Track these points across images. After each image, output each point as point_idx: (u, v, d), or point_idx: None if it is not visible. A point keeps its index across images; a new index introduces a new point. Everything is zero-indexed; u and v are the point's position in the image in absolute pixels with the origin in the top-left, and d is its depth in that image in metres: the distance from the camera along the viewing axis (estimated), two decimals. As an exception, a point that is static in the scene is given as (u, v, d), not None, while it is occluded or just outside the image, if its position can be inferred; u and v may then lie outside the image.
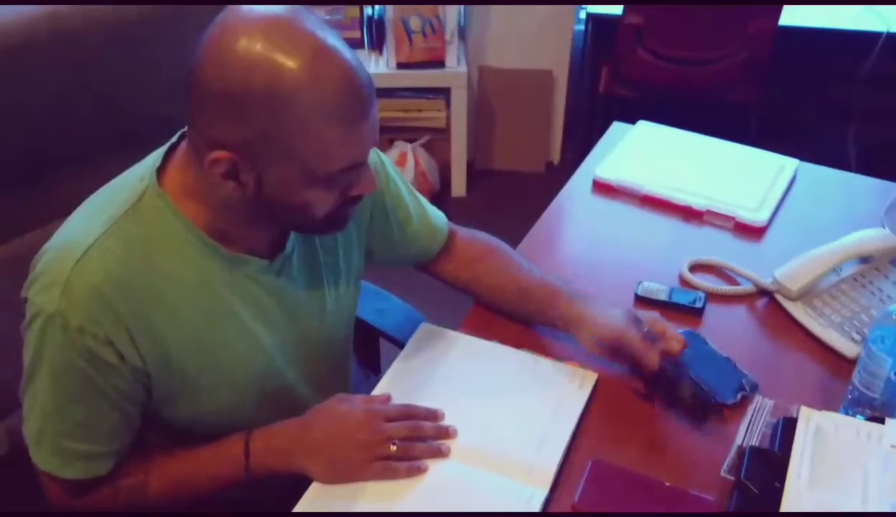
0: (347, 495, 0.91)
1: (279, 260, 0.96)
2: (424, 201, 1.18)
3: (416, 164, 2.72)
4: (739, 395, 1.04)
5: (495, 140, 3.03)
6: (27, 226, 1.09)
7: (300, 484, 0.93)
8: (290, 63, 0.76)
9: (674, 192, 1.43)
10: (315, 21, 0.80)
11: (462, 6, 2.67)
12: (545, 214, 1.42)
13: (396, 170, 1.13)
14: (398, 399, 1.02)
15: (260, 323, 0.96)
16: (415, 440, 0.95)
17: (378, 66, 2.65)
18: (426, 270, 1.21)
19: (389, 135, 2.76)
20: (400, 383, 1.06)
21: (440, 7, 2.56)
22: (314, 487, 0.92)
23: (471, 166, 2.98)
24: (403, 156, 2.72)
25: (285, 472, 0.94)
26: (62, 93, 1.06)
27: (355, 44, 2.68)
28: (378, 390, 1.04)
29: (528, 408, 1.03)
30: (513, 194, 2.95)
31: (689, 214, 1.41)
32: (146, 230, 0.87)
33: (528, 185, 2.99)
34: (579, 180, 1.51)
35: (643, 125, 1.64)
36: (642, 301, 1.21)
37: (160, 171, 0.89)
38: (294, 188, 0.83)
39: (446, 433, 0.97)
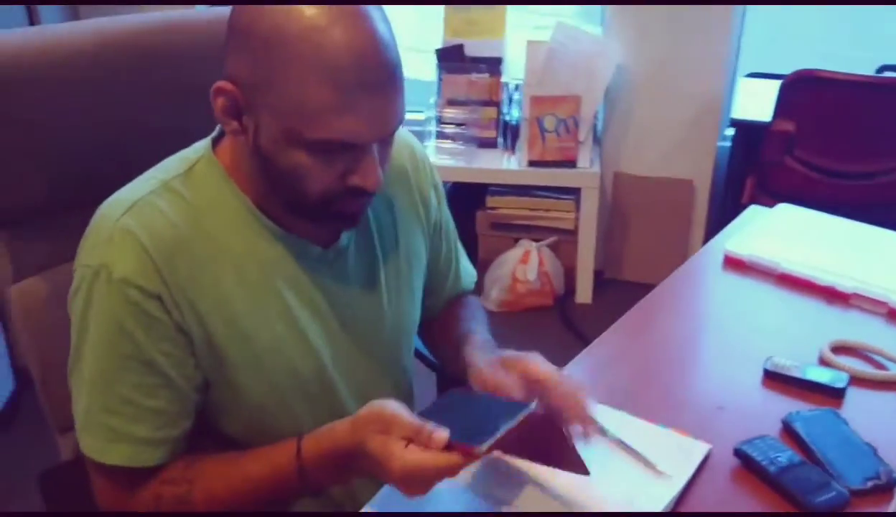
0: None
1: (333, 250, 0.92)
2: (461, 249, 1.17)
3: (541, 263, 2.66)
4: (870, 484, 0.89)
5: (627, 249, 2.93)
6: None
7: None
8: (309, 10, 0.74)
9: (817, 272, 1.29)
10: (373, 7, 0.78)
11: (600, 110, 2.65)
12: (666, 281, 1.32)
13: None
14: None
15: (306, 313, 0.91)
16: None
17: (509, 163, 2.65)
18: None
19: (515, 233, 2.73)
20: None
21: (577, 108, 2.55)
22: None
23: (599, 275, 2.88)
24: (527, 254, 2.66)
25: (342, 481, 0.86)
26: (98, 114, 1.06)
27: (489, 144, 2.71)
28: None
29: (624, 468, 0.90)
30: (643, 307, 2.80)
31: (833, 296, 1.26)
32: (196, 195, 0.86)
33: (660, 299, 2.84)
34: (708, 255, 1.40)
35: (784, 207, 1.52)
36: (772, 376, 1.08)
37: (215, 143, 0.89)
38: (282, 145, 0.79)
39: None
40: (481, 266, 2.74)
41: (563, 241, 2.74)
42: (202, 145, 0.90)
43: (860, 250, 1.37)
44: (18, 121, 1.03)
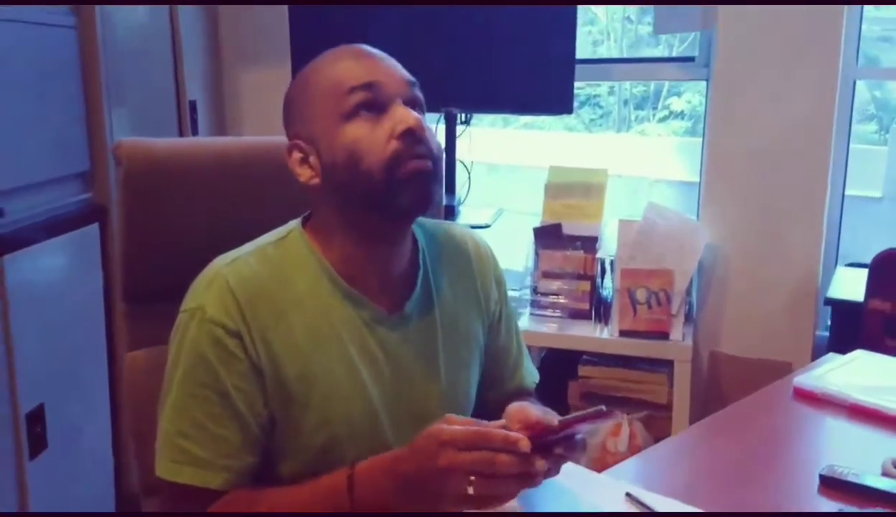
0: None
1: (397, 315, 1.06)
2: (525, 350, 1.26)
3: (632, 436, 2.64)
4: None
5: (724, 432, 2.86)
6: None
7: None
8: (321, 55, 1.05)
9: (887, 402, 1.30)
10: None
11: (694, 287, 2.72)
12: (734, 406, 1.35)
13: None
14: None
15: (366, 368, 1.03)
16: (492, 476, 0.85)
17: (601, 333, 2.72)
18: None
19: (607, 404, 2.72)
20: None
21: (669, 282, 2.63)
22: None
23: (695, 457, 2.81)
24: (618, 427, 2.66)
25: (390, 506, 0.92)
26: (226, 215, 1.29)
27: (583, 315, 2.80)
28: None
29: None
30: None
31: None
32: (284, 258, 1.04)
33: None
34: (777, 388, 1.42)
35: (860, 353, 1.55)
36: (827, 482, 1.09)
37: (305, 222, 1.09)
38: (335, 131, 0.99)
39: (529, 469, 0.86)
40: (571, 436, 2.74)
41: (657, 417, 2.73)
42: (295, 222, 1.10)
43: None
44: (158, 214, 1.25)
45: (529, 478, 0.87)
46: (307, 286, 1.03)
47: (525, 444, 0.84)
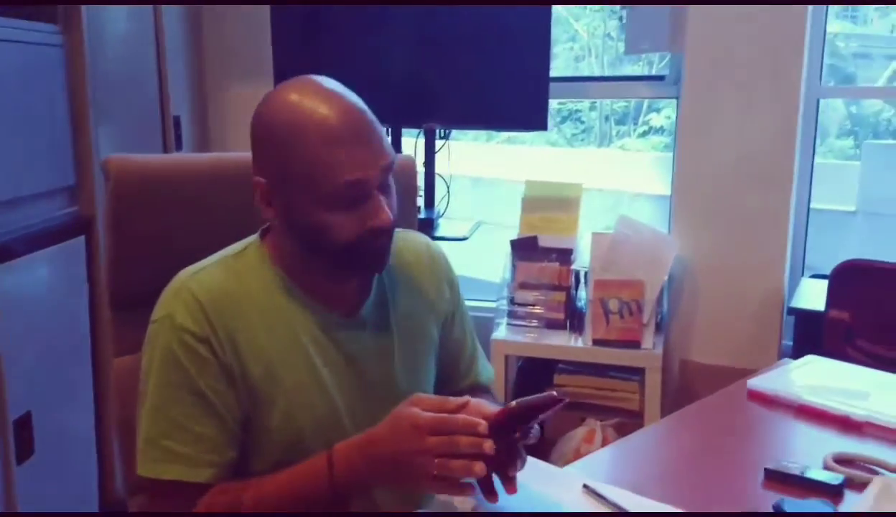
0: None
1: (353, 320, 1.14)
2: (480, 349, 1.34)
3: (605, 442, 2.72)
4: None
5: (695, 438, 2.95)
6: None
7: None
8: (298, 107, 1.03)
9: (832, 403, 1.38)
10: (337, 84, 1.07)
11: (665, 297, 2.81)
12: (692, 406, 1.43)
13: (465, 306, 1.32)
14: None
15: (326, 369, 1.11)
16: (452, 456, 0.95)
17: (576, 342, 2.80)
18: None
19: (580, 412, 2.82)
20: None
21: (640, 292, 2.72)
22: None
23: (667, 463, 2.89)
24: (592, 433, 2.74)
25: (366, 483, 1.02)
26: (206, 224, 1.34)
27: (558, 325, 2.88)
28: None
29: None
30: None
31: (846, 425, 1.37)
32: (244, 268, 1.12)
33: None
34: (733, 390, 1.51)
35: (811, 358, 1.63)
36: (771, 476, 1.17)
37: (264, 233, 1.15)
38: (312, 211, 1.03)
39: (481, 448, 0.95)
40: (547, 443, 2.82)
41: (629, 423, 2.81)
42: (254, 235, 1.17)
43: (884, 391, 1.47)
44: (145, 227, 1.32)
45: (482, 459, 0.95)
46: (265, 293, 1.11)
47: (483, 427, 0.95)
